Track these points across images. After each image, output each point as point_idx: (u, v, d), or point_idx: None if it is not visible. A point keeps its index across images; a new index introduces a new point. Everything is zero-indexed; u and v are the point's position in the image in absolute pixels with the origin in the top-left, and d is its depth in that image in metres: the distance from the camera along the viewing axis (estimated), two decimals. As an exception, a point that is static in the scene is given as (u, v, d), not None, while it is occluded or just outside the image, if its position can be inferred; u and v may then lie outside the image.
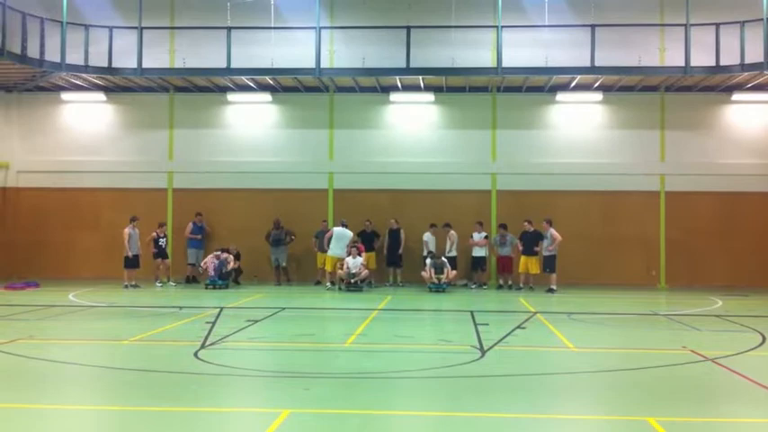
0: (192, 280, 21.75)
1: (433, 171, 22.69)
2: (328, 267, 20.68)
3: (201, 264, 20.79)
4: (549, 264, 20.28)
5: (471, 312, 15.14)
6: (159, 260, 21.37)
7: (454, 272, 20.20)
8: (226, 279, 20.53)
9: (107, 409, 7.51)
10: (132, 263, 20.65)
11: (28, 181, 23.46)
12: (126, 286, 20.24)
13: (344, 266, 19.95)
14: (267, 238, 21.68)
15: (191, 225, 22.02)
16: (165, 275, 21.52)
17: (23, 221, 23.30)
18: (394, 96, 22.91)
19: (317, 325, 14.51)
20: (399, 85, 22.38)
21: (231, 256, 20.82)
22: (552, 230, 20.28)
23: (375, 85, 22.40)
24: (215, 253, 20.78)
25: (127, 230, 20.63)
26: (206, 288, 20.07)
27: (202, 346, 10.77)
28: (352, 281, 19.77)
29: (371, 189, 22.76)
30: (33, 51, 20.51)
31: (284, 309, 15.78)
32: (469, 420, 7.06)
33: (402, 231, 21.63)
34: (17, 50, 20.08)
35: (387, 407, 7.71)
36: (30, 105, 23.63)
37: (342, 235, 20.54)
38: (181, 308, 15.84)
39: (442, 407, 7.64)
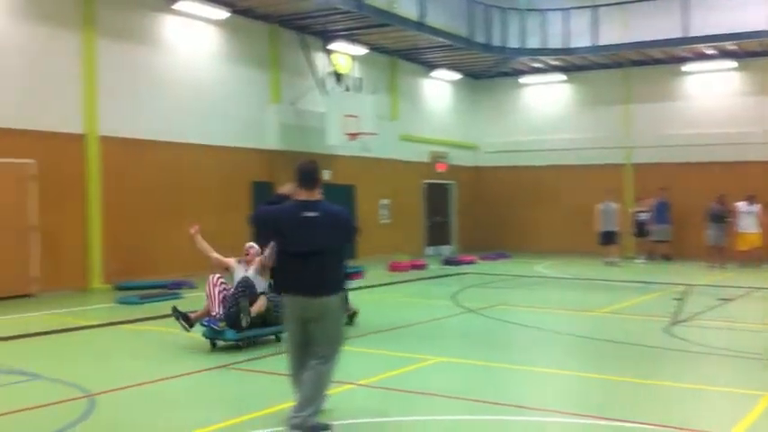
0: (664, 258, 21.04)
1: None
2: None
3: (207, 291, 9.00)
4: None
5: None
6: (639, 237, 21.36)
7: None
8: (249, 328, 8.65)
9: (580, 376, 7.83)
10: (603, 239, 20.00)
11: (493, 160, 25.42)
12: (607, 263, 19.72)
13: None
14: (707, 212, 19.49)
15: (653, 201, 21.31)
16: (645, 251, 21.28)
17: (492, 198, 25.28)
18: None
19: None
20: None
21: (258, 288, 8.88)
22: None
23: None
24: (237, 260, 9.23)
25: (598, 206, 20.04)
26: (210, 344, 8.76)
27: (674, 322, 10.69)
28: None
29: None
30: (495, 39, 22.06)
31: (755, 288, 14.80)
32: None
33: None
34: (482, 40, 21.80)
35: None
36: (492, 90, 25.55)
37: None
38: (647, 283, 15.77)
39: None
